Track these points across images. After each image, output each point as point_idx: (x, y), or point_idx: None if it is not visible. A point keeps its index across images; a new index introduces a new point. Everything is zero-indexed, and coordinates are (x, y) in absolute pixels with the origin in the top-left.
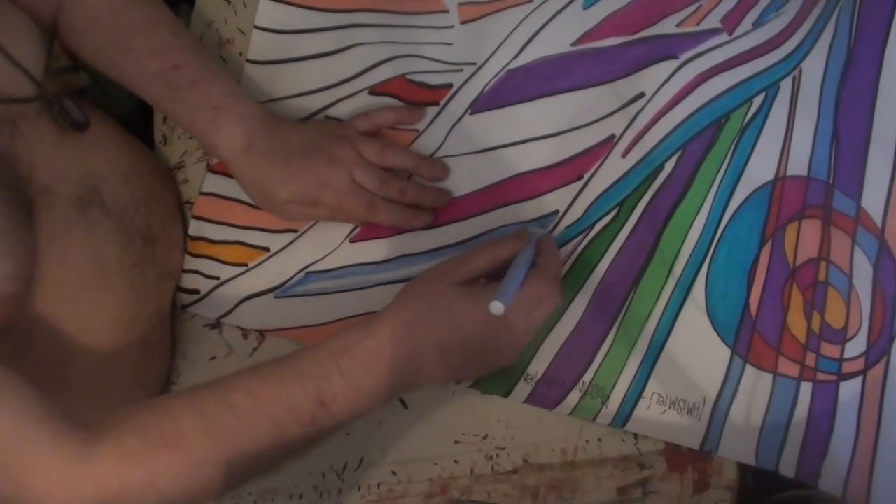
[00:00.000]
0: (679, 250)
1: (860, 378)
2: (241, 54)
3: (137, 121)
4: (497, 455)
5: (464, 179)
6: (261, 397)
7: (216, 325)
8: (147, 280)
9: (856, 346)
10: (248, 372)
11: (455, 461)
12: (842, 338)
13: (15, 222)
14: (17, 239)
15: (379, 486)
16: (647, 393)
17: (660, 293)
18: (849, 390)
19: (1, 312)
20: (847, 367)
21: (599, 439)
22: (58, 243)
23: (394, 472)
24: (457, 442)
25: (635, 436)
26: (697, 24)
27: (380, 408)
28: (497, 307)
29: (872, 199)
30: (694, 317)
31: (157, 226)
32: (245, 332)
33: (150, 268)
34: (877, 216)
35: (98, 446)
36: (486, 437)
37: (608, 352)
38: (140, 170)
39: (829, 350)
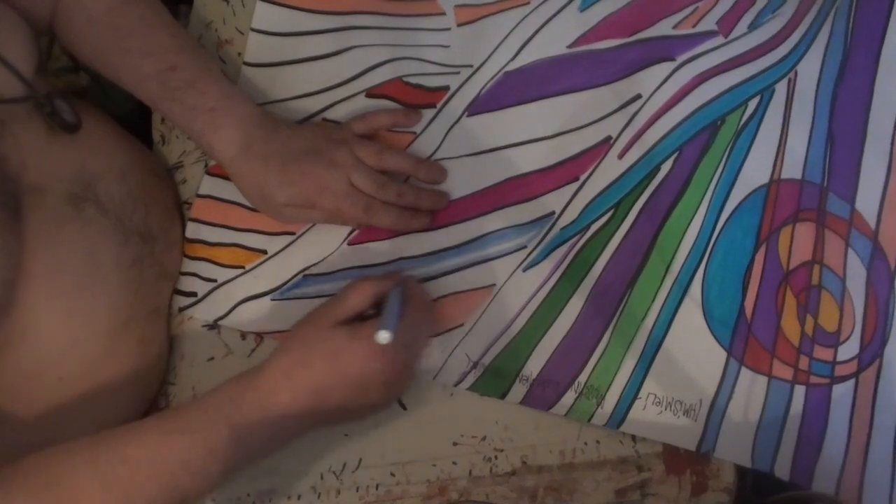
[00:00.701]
0: (675, 252)
1: (853, 381)
2: (239, 54)
3: (136, 120)
4: (495, 457)
5: (461, 181)
6: (154, 451)
7: (214, 325)
8: (145, 279)
9: (849, 349)
10: (144, 423)
11: (453, 463)
12: (835, 341)
13: (1, 223)
14: (1, 241)
15: (377, 487)
16: (642, 394)
17: (656, 295)
18: (841, 393)
19: None
20: (840, 371)
21: (598, 441)
22: (49, 240)
23: (392, 474)
24: (455, 443)
25: (633, 438)
26: (694, 26)
27: (272, 454)
28: (384, 336)
29: (866, 201)
30: (690, 318)
31: (156, 225)
32: (243, 333)
33: (147, 267)
34: (871, 218)
35: (7, 499)
36: (484, 438)
37: (603, 353)
38: (137, 168)
39: (823, 353)
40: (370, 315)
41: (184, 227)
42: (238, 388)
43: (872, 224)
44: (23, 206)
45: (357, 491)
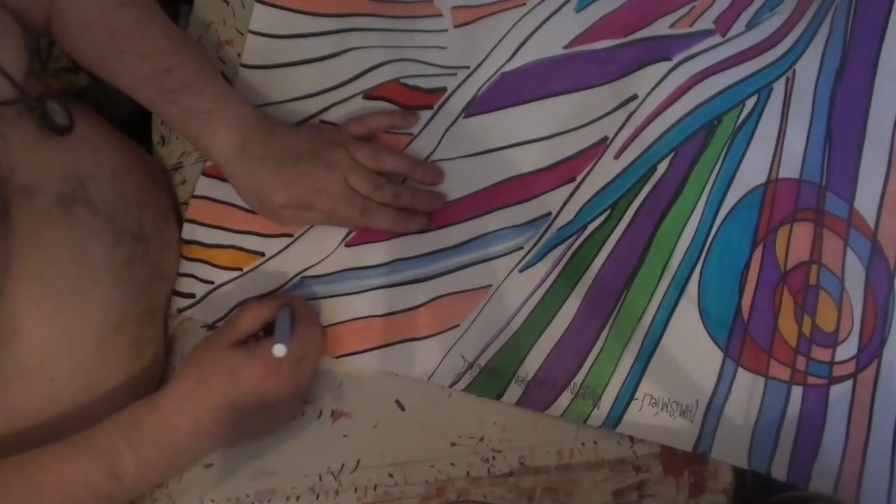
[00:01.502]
0: (672, 252)
1: (850, 381)
2: (239, 55)
3: (136, 121)
4: (493, 457)
5: (458, 183)
6: (58, 475)
7: (213, 326)
8: (137, 280)
9: (847, 350)
10: (50, 449)
11: (451, 463)
12: (833, 341)
13: None
14: None
15: (375, 488)
16: (639, 394)
17: (652, 295)
18: (839, 393)
19: None
20: (838, 371)
21: (595, 442)
22: (38, 241)
23: (390, 475)
24: (453, 444)
25: (631, 439)
26: (690, 25)
27: (178, 473)
28: (280, 349)
29: (865, 201)
30: (687, 319)
31: (150, 225)
32: None
33: (140, 268)
34: (870, 218)
35: None
36: (482, 439)
37: (600, 353)
38: (131, 168)
39: (820, 354)
40: (262, 337)
41: (181, 227)
42: (140, 412)
43: (871, 224)
44: (11, 208)
45: (355, 492)
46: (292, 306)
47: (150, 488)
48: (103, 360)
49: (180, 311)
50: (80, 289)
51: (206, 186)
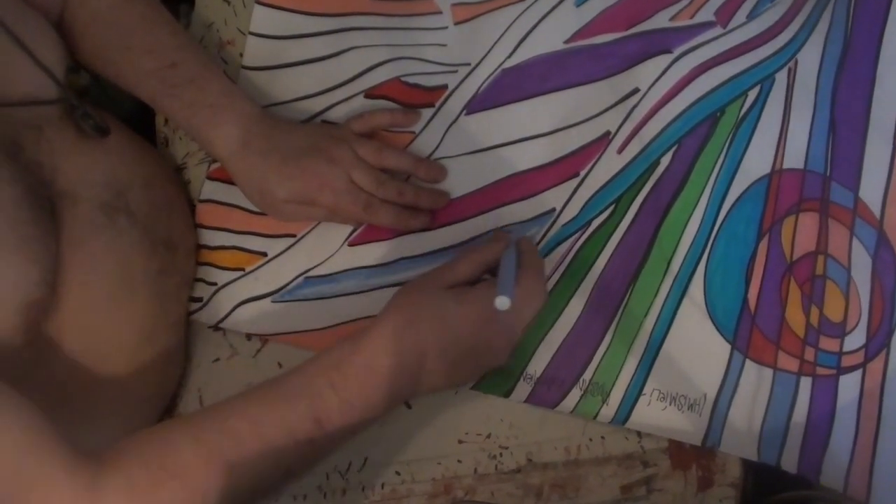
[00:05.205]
0: (676, 246)
1: (860, 371)
2: (241, 55)
3: (137, 122)
4: (500, 454)
5: (461, 180)
6: (257, 421)
7: (218, 327)
8: (169, 289)
9: (855, 339)
10: (244, 395)
11: (459, 461)
12: (841, 331)
13: (42, 228)
14: (43, 245)
15: (383, 486)
16: (647, 389)
17: (658, 289)
18: (848, 384)
19: (28, 319)
20: (846, 361)
21: (603, 437)
22: (84, 250)
23: (398, 472)
24: (460, 441)
25: (639, 434)
26: (691, 17)
27: (376, 421)
28: (503, 302)
29: (871, 190)
30: (692, 312)
31: (177, 233)
32: (248, 334)
33: (171, 276)
34: (875, 207)
35: (104, 479)
36: (489, 436)
37: (607, 349)
38: (158, 175)
39: (828, 344)
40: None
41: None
42: (342, 353)
43: (877, 213)
44: (57, 213)
45: (363, 490)
46: (519, 248)
47: (347, 437)
48: (136, 369)
49: (190, 314)
50: (121, 300)
51: (210, 190)
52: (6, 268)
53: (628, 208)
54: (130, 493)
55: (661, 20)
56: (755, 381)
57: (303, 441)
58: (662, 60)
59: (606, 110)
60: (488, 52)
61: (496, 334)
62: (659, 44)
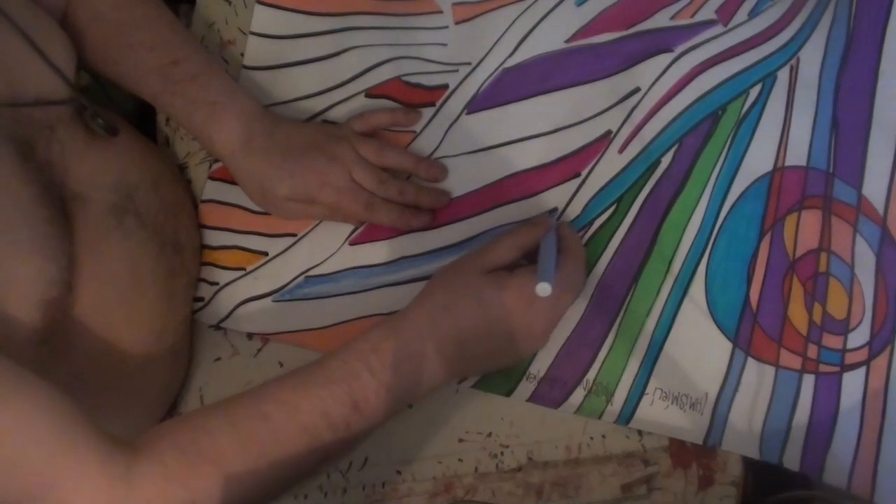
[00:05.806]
0: (678, 245)
1: (863, 368)
2: (242, 55)
3: (137, 122)
4: (501, 453)
5: (462, 180)
6: (293, 406)
7: (219, 326)
8: (177, 290)
9: (859, 337)
10: (279, 380)
11: (459, 459)
12: (844, 328)
13: (58, 227)
14: (59, 244)
15: (383, 485)
16: (649, 389)
17: (659, 288)
18: (852, 381)
19: (46, 316)
20: (850, 358)
21: (603, 436)
22: (95, 251)
23: (398, 471)
24: (461, 440)
25: (639, 432)
26: (692, 15)
27: (411, 406)
28: (544, 288)
29: (874, 187)
30: (694, 311)
31: (183, 234)
32: (249, 333)
33: (179, 277)
34: (879, 204)
35: (139, 466)
36: (490, 435)
37: (610, 349)
38: (165, 176)
39: (832, 341)
40: (518, 265)
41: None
42: (379, 336)
43: (881, 210)
44: (68, 214)
45: (363, 489)
46: (560, 234)
47: (384, 421)
48: (145, 370)
49: (192, 314)
50: (131, 301)
51: (212, 190)
52: (26, 265)
53: (630, 207)
54: (165, 478)
55: (661, 19)
56: (757, 379)
57: (339, 426)
58: (663, 59)
59: (607, 110)
60: (489, 51)
61: (535, 321)
62: (660, 43)
